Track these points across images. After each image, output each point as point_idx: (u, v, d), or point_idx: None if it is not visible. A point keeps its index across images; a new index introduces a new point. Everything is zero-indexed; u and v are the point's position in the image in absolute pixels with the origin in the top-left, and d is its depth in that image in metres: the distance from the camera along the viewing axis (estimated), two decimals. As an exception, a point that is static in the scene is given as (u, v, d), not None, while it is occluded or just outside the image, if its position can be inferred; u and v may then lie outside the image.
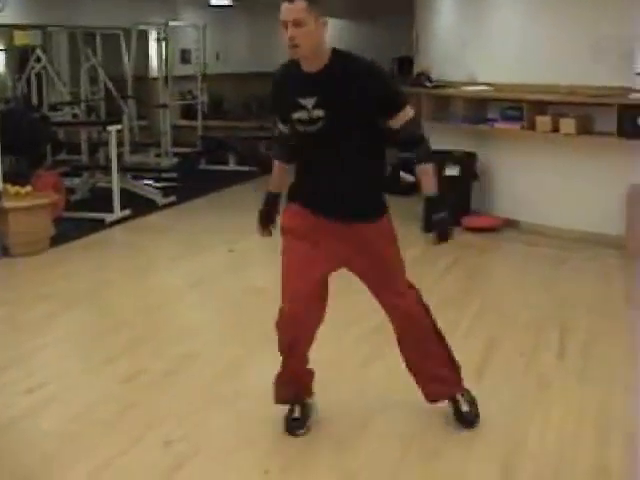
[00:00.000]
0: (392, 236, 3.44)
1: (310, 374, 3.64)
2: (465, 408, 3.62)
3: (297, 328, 3.38)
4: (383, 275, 3.44)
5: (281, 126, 3.44)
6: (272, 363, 3.62)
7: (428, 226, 3.34)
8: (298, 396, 3.62)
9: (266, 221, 3.60)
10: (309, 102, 3.18)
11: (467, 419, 3.62)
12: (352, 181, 3.28)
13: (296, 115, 3.22)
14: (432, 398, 3.65)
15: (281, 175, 3.57)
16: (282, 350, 3.46)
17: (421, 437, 3.57)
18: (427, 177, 3.33)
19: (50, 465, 3.37)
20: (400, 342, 3.59)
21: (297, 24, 3.05)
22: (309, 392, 3.66)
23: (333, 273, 3.46)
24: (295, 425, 3.59)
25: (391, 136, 3.28)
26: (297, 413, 3.61)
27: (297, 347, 3.46)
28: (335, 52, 3.20)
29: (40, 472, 3.32)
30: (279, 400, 3.63)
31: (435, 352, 3.57)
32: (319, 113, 3.17)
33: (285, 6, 3.07)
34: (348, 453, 3.44)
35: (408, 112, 3.24)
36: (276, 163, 3.58)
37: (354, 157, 3.26)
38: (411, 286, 3.51)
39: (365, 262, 3.40)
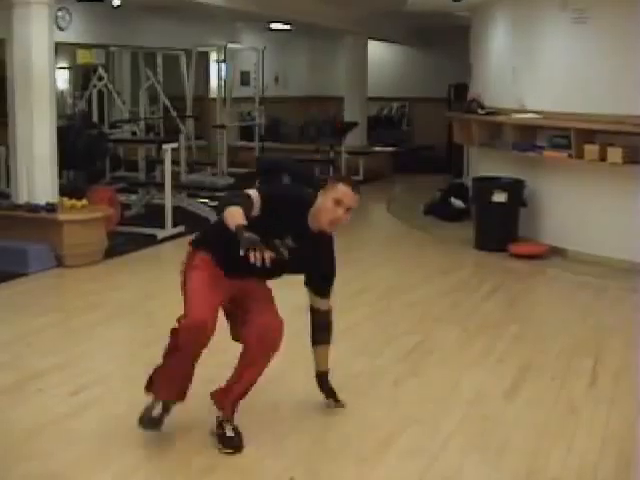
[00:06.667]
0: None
1: (191, 378, 3.74)
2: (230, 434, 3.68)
3: (203, 332, 3.56)
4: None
5: (254, 194, 3.45)
6: (307, 377, 3.87)
7: (324, 390, 3.92)
8: (180, 396, 3.71)
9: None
10: (291, 242, 3.54)
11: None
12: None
13: (277, 241, 3.50)
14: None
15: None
16: (182, 347, 3.59)
17: (443, 456, 3.62)
18: (326, 355, 3.88)
19: (80, 466, 3.50)
20: None
21: (350, 211, 3.52)
22: (184, 395, 3.73)
23: (373, 292, 3.65)
24: (152, 423, 3.68)
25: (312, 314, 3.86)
26: (157, 412, 3.69)
27: (199, 350, 3.63)
28: None
29: (69, 473, 3.44)
30: (163, 396, 3.69)
31: None
32: (287, 254, 3.51)
33: (352, 194, 3.51)
34: (371, 467, 3.52)
35: (328, 303, 3.82)
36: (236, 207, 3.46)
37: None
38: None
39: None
